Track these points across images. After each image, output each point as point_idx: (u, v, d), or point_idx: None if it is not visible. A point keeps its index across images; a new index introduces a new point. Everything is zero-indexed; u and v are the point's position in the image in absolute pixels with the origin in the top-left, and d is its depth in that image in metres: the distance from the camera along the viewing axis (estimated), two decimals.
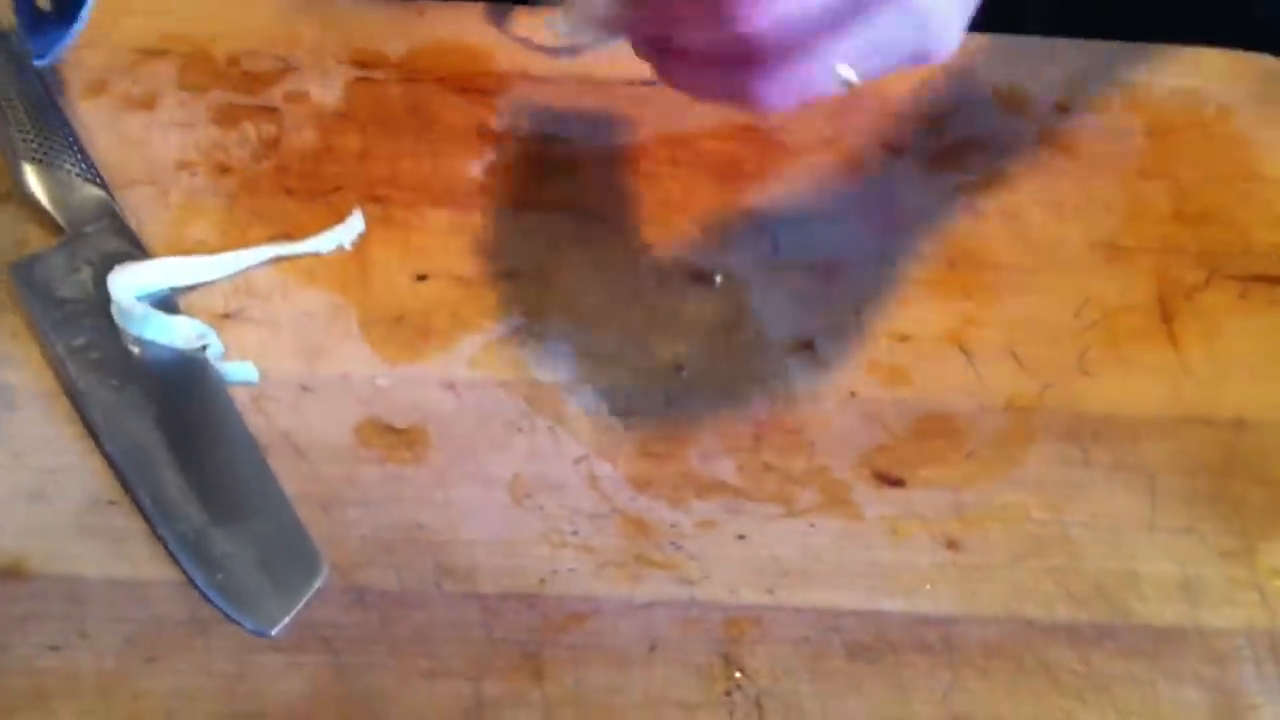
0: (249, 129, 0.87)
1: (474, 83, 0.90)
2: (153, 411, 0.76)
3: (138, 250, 0.81)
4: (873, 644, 0.72)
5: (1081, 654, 0.72)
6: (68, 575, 0.71)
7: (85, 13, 0.73)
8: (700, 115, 0.89)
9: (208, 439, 0.76)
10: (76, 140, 0.84)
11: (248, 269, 0.81)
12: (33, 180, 0.81)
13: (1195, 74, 0.94)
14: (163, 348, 0.78)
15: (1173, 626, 0.74)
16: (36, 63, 0.84)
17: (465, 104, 0.89)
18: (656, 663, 0.71)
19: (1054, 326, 0.83)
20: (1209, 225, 0.88)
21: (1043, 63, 0.93)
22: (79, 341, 0.78)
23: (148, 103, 0.87)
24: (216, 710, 0.68)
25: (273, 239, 0.82)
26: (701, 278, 0.83)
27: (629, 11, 0.71)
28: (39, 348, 0.78)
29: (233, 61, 0.89)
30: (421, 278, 0.82)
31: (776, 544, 0.75)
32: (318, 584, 0.72)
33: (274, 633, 0.70)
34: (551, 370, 0.79)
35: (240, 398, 0.77)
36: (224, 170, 0.85)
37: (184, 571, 0.71)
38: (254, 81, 0.89)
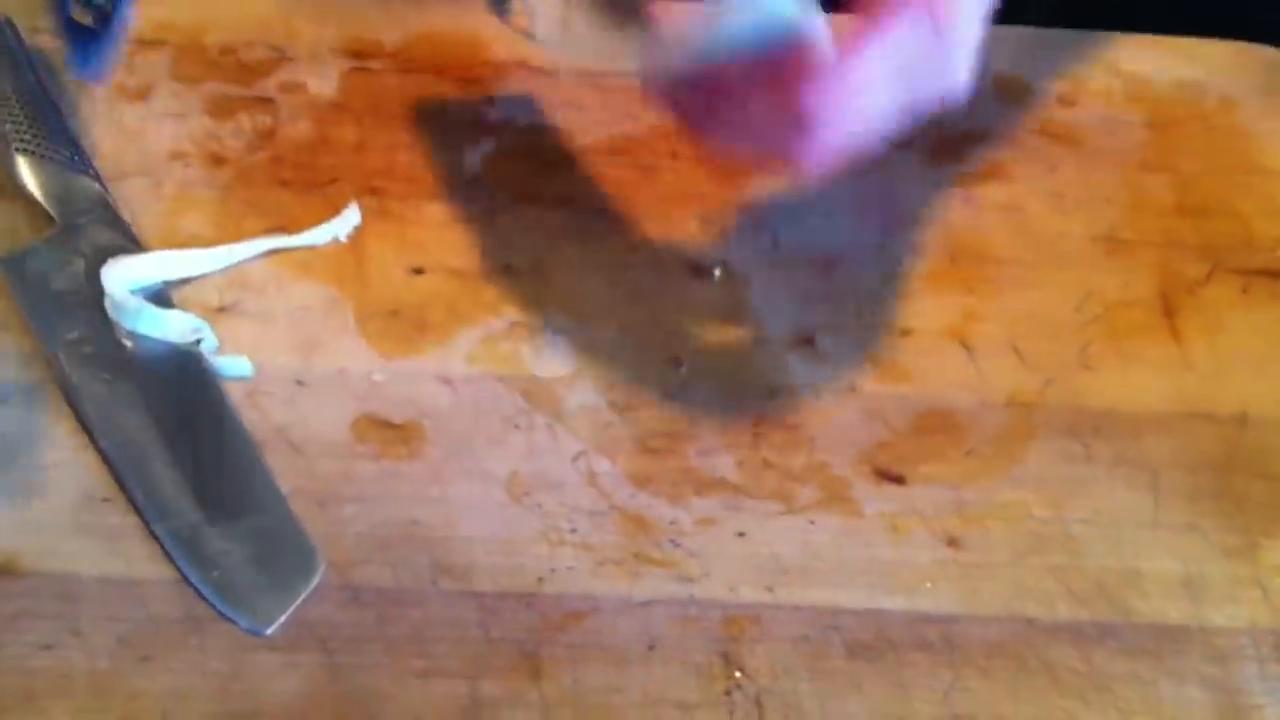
0: (243, 120, 0.86)
1: (471, 73, 0.89)
2: (146, 407, 0.75)
3: (131, 243, 0.80)
4: (873, 643, 0.72)
5: (1083, 653, 0.72)
6: (60, 573, 0.71)
7: (128, 23, 0.72)
8: None
9: (202, 435, 0.75)
10: (69, 131, 0.83)
11: (242, 262, 0.81)
12: (25, 171, 0.81)
13: (1197, 65, 0.94)
14: (156, 342, 0.77)
15: (1175, 625, 0.73)
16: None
17: (462, 95, 0.88)
18: (655, 662, 0.70)
19: (1055, 321, 0.82)
20: (1211, 218, 0.87)
21: (1043, 54, 0.93)
22: (71, 336, 0.77)
23: (141, 93, 0.87)
24: (211, 710, 0.68)
25: (267, 232, 0.82)
26: (701, 272, 0.83)
27: (685, 91, 0.71)
28: (31, 342, 0.77)
29: (227, 52, 0.89)
30: (418, 271, 0.81)
31: (776, 541, 0.74)
32: (314, 582, 0.71)
33: (269, 632, 0.70)
34: (549, 365, 0.79)
35: (235, 393, 0.77)
36: (218, 162, 0.84)
37: (178, 569, 0.71)
38: (248, 72, 0.88)
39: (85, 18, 0.70)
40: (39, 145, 0.81)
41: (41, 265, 0.79)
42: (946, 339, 0.81)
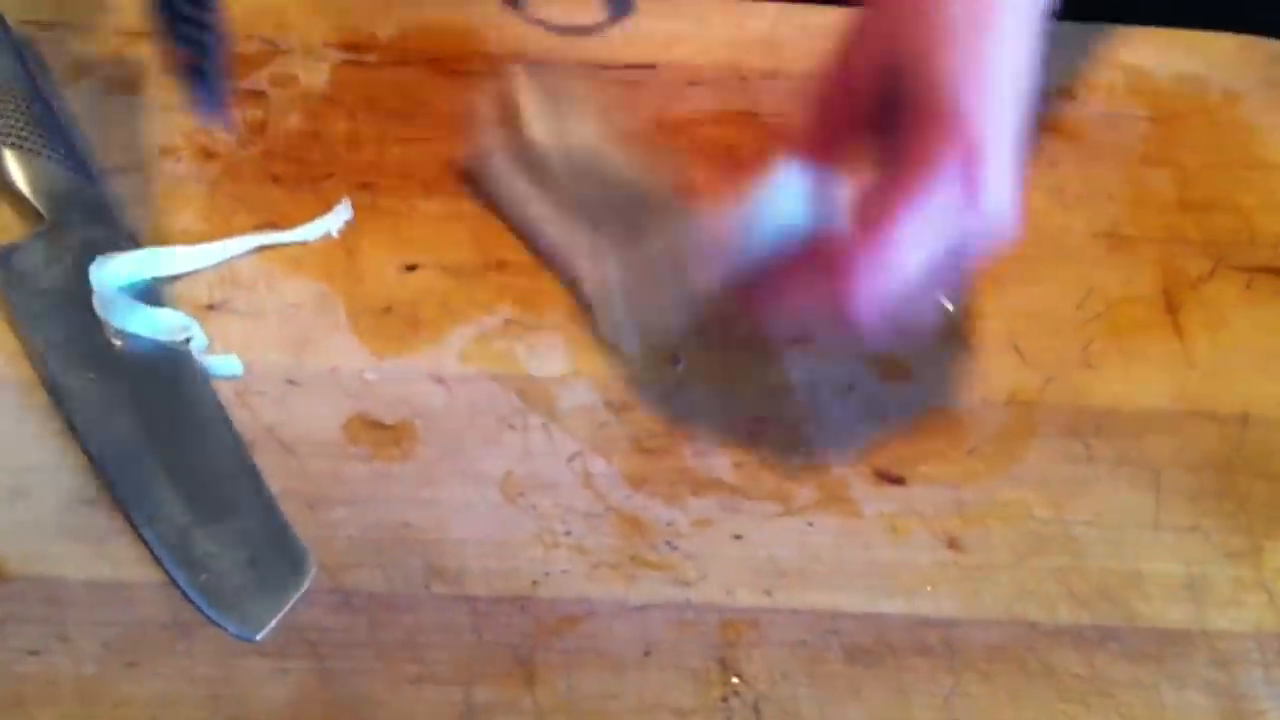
0: (234, 114, 0.85)
1: (465, 65, 0.88)
2: (135, 406, 0.74)
3: (120, 239, 0.79)
4: (872, 647, 0.71)
5: (1085, 657, 0.71)
6: (47, 577, 0.70)
7: (228, 56, 0.71)
8: (697, 101, 0.87)
9: (191, 435, 0.74)
10: (58, 125, 0.82)
11: (232, 259, 0.80)
12: (12, 166, 0.79)
13: (1200, 59, 0.93)
14: (145, 340, 0.76)
15: (1178, 628, 0.72)
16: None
17: (457, 88, 0.87)
18: (651, 667, 0.70)
19: (1057, 318, 0.81)
20: (1214, 214, 0.86)
21: (1044, 47, 0.91)
22: (59, 334, 0.76)
23: (131, 87, 0.85)
24: (200, 717, 0.67)
25: (258, 228, 0.81)
26: None
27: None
28: (17, 340, 0.76)
29: None
30: (411, 268, 0.80)
31: (774, 543, 0.73)
32: (304, 586, 0.70)
33: (259, 637, 0.69)
34: (545, 364, 0.78)
35: (224, 391, 0.76)
36: (208, 156, 0.83)
37: (167, 573, 0.70)
38: (240, 64, 0.87)
39: (189, 56, 0.69)
40: (27, 140, 0.80)
41: (29, 262, 0.78)
42: (946, 336, 0.80)
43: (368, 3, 0.90)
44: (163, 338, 0.76)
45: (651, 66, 0.87)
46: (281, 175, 0.83)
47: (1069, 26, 0.92)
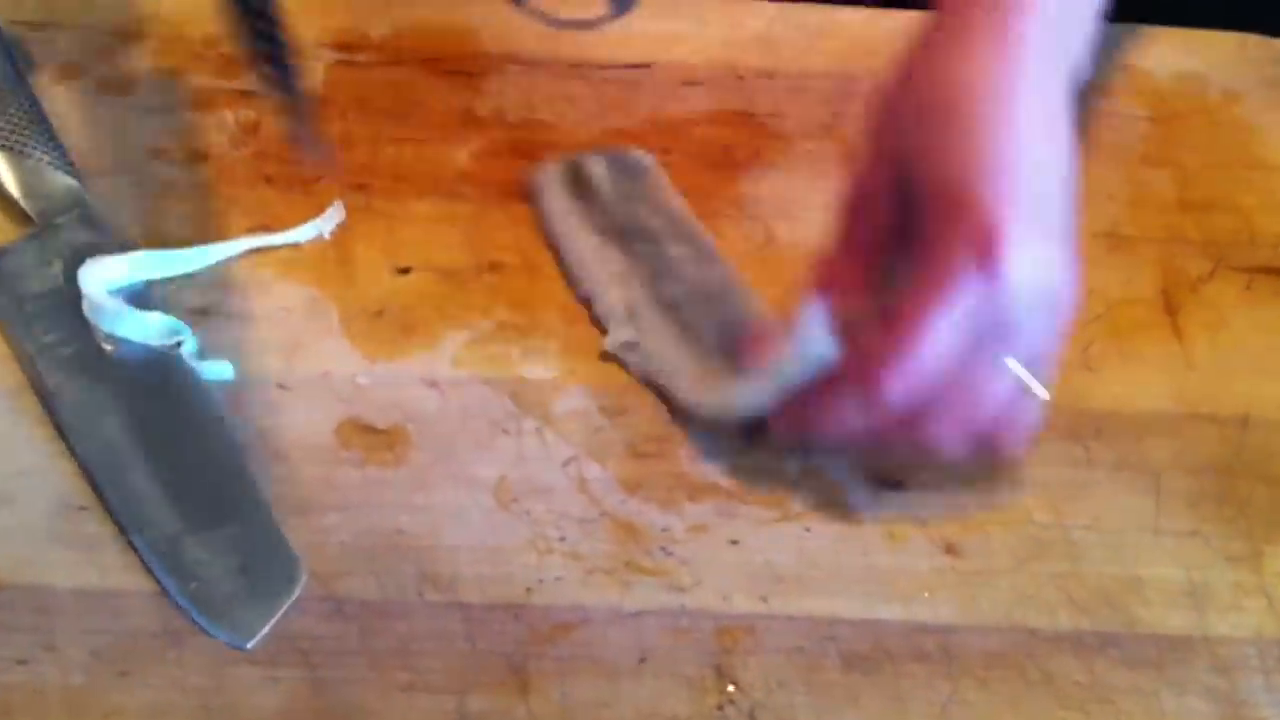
0: (226, 115, 0.85)
1: (459, 65, 0.88)
2: (125, 412, 0.74)
3: (110, 242, 0.78)
4: (870, 654, 0.70)
5: (1085, 664, 0.70)
6: (35, 585, 0.69)
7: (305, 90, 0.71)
8: (693, 101, 0.86)
9: (182, 441, 0.73)
10: (47, 126, 0.81)
11: (224, 262, 0.79)
12: (1, 168, 0.79)
13: (1200, 57, 0.92)
14: (136, 345, 0.75)
15: (1178, 635, 0.72)
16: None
17: (450, 88, 0.87)
18: (646, 675, 0.69)
19: None
20: (1214, 214, 0.86)
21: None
22: (48, 338, 0.75)
23: (122, 87, 0.85)
24: None
25: (250, 230, 0.80)
26: None
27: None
28: (6, 344, 0.76)
29: (210, 44, 0.87)
30: (404, 270, 0.80)
31: (770, 549, 0.73)
32: (296, 593, 0.69)
33: (250, 645, 0.68)
34: (539, 367, 0.77)
35: (215, 396, 0.75)
36: (200, 157, 0.83)
37: (157, 581, 0.69)
38: (232, 65, 0.86)
39: (275, 90, 0.70)
40: (16, 141, 0.80)
41: (18, 266, 0.77)
42: None
43: (361, 2, 0.89)
44: (153, 342, 0.75)
45: (647, 66, 0.86)
46: (274, 177, 0.82)
47: None
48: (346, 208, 0.81)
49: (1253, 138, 0.89)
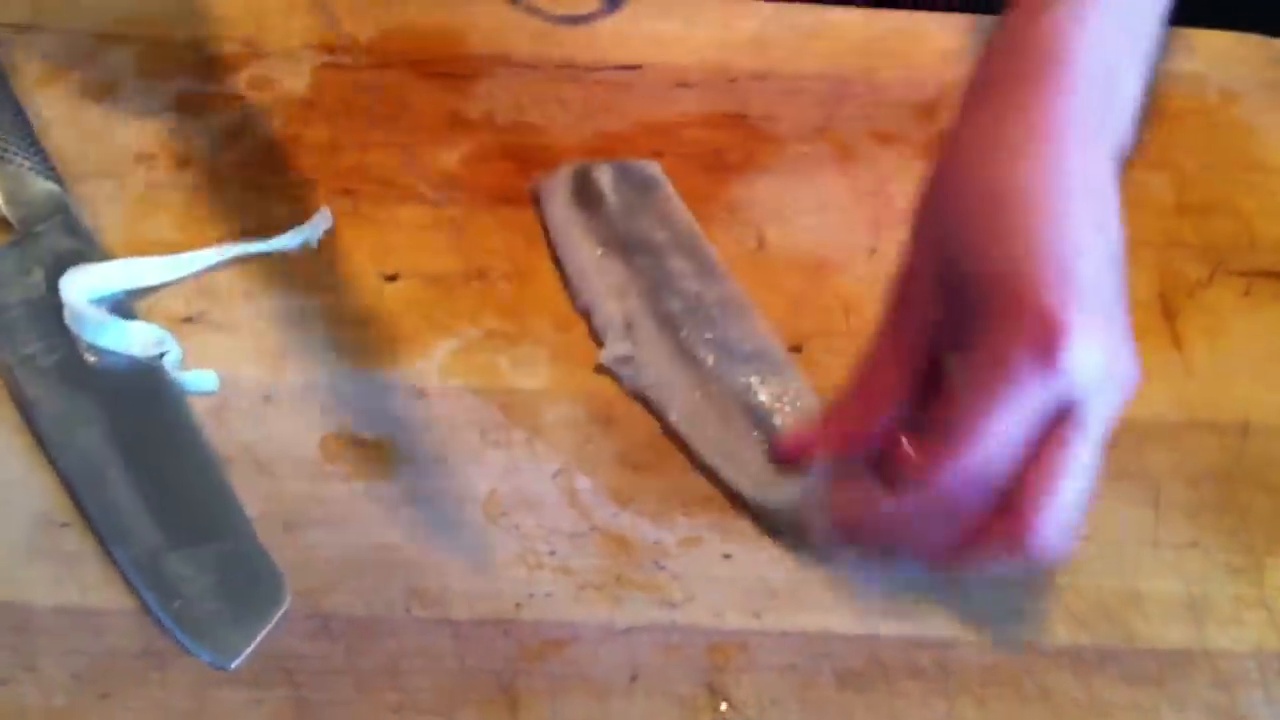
0: (211, 119, 0.84)
1: (448, 68, 0.87)
2: (107, 423, 0.72)
3: (92, 250, 0.77)
4: (864, 670, 0.69)
5: (1083, 679, 0.70)
6: (14, 603, 0.68)
7: None
8: (685, 103, 0.85)
9: (165, 454, 0.72)
10: (29, 131, 0.81)
11: (209, 269, 0.78)
12: None
13: (1197, 57, 0.92)
14: (118, 355, 0.74)
15: (1178, 649, 0.71)
16: None
17: (439, 90, 0.86)
18: (638, 693, 0.68)
19: None
20: (1212, 217, 0.85)
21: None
22: (29, 348, 0.74)
23: (105, 91, 0.84)
24: None
25: (235, 237, 0.79)
26: None
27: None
28: None
29: (195, 47, 0.86)
30: (391, 278, 0.79)
31: (764, 563, 0.72)
32: (280, 611, 0.68)
33: (234, 665, 0.67)
34: (528, 376, 0.76)
35: (199, 408, 0.74)
36: (184, 163, 0.82)
37: (139, 598, 0.68)
38: (217, 68, 0.85)
39: None
40: None
41: None
42: None
43: (348, 3, 0.88)
44: (136, 352, 0.74)
45: (639, 68, 0.85)
46: (260, 182, 0.81)
47: None
48: (334, 213, 0.80)
49: (1251, 139, 0.88)
